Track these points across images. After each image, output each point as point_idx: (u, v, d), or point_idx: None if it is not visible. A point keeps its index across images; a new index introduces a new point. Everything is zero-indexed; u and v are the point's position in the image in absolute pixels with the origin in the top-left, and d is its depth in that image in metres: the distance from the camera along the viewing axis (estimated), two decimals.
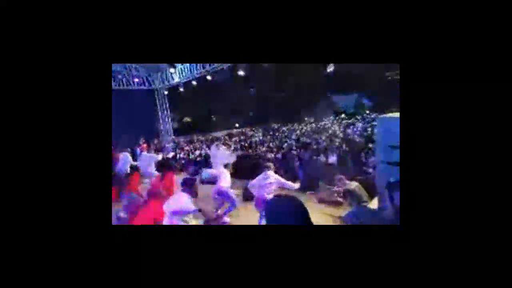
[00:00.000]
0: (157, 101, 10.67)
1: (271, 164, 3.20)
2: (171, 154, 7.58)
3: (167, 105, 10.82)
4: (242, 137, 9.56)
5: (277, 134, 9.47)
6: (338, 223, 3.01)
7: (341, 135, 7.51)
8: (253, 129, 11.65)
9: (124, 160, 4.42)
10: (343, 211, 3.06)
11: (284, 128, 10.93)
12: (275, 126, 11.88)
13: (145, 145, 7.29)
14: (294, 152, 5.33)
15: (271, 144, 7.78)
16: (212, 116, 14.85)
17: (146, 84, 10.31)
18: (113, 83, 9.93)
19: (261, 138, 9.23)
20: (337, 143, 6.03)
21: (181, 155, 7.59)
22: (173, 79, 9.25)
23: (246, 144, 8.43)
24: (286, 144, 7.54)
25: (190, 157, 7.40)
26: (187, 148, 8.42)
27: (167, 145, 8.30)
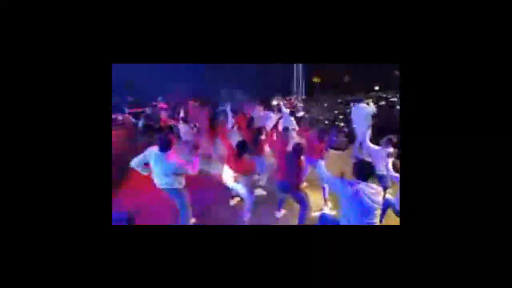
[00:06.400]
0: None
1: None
2: (300, 114, 7.91)
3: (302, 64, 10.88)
4: (381, 103, 8.22)
5: None
6: None
7: None
8: (397, 94, 9.54)
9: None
10: None
11: None
12: None
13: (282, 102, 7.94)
14: None
15: None
16: (346, 76, 13.46)
17: None
18: None
19: None
20: None
21: (306, 116, 7.72)
22: None
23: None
24: None
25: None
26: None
27: (299, 105, 8.69)
